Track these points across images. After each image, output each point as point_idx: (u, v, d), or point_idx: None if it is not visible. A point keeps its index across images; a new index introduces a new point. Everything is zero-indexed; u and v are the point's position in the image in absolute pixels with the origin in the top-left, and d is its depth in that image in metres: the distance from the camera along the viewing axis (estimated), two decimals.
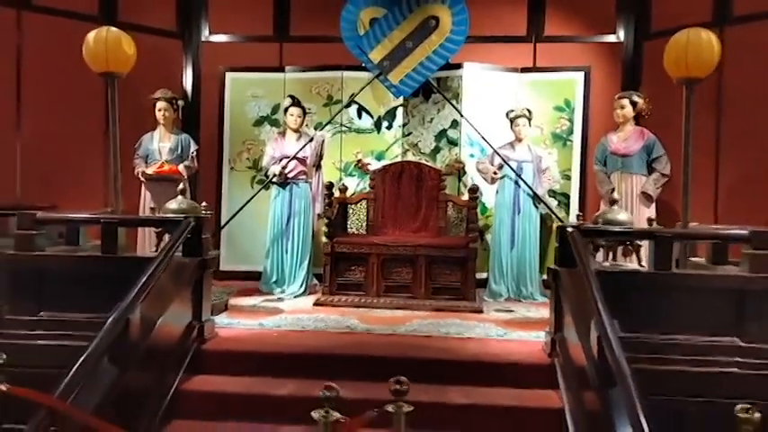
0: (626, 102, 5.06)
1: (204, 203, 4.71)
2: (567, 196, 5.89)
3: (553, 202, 5.80)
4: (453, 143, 5.84)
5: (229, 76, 6.25)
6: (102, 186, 5.64)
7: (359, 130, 6.09)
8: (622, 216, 3.99)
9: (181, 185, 4.46)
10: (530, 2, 6.15)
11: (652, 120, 5.81)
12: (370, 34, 5.12)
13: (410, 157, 5.97)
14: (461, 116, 5.52)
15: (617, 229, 3.45)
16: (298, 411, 2.63)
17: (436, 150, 5.93)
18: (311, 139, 5.28)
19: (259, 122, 6.17)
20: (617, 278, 3.28)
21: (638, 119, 5.27)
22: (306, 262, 5.25)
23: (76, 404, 2.33)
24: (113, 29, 3.79)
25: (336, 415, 2.07)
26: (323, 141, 5.41)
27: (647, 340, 3.18)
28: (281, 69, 6.19)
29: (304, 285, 5.21)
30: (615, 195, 4.12)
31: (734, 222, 4.97)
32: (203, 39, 6.42)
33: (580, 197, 5.85)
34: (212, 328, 3.62)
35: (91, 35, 3.72)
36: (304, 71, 6.10)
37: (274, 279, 5.33)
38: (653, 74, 5.88)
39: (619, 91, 5.93)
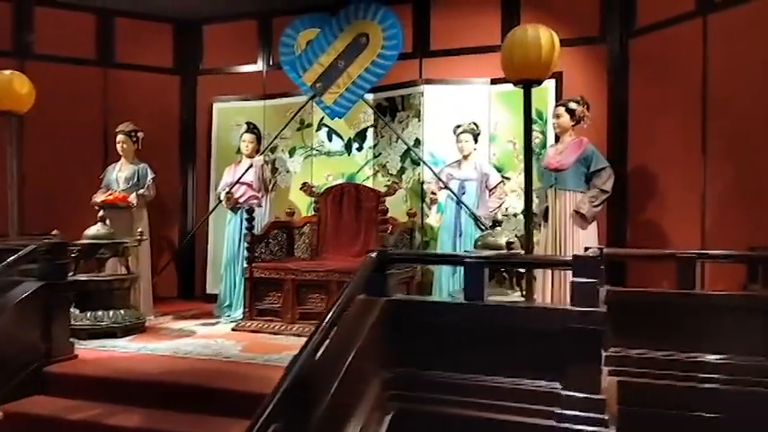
0: (561, 110, 4.47)
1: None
2: None
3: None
4: (416, 162, 5.55)
5: (216, 106, 6.53)
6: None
7: (329, 153, 6.02)
8: (502, 240, 3.54)
9: (101, 213, 4.72)
10: (503, 10, 5.71)
11: (640, 115, 5.14)
12: (303, 56, 5.08)
13: (379, 178, 5.79)
14: (397, 135, 5.29)
15: (411, 255, 3.03)
16: None
17: (402, 171, 5.68)
18: (251, 165, 5.32)
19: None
20: (409, 308, 2.90)
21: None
22: None
23: None
24: (6, 72, 4.14)
25: None
26: (262, 165, 5.42)
27: (442, 379, 2.78)
28: (262, 98, 6.34)
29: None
30: (499, 216, 3.66)
31: (726, 241, 4.20)
32: (198, 73, 6.77)
33: None
34: (69, 350, 3.74)
35: None
36: (275, 98, 6.19)
37: (227, 303, 5.41)
38: (641, 73, 5.19)
39: (604, 96, 5.34)
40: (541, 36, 2.94)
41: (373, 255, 2.94)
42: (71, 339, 3.82)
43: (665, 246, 4.80)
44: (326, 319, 2.54)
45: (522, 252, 3.28)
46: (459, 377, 2.81)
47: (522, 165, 5.25)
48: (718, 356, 3.23)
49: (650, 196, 5.02)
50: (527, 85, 3.11)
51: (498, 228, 3.57)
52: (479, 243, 3.55)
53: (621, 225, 5.20)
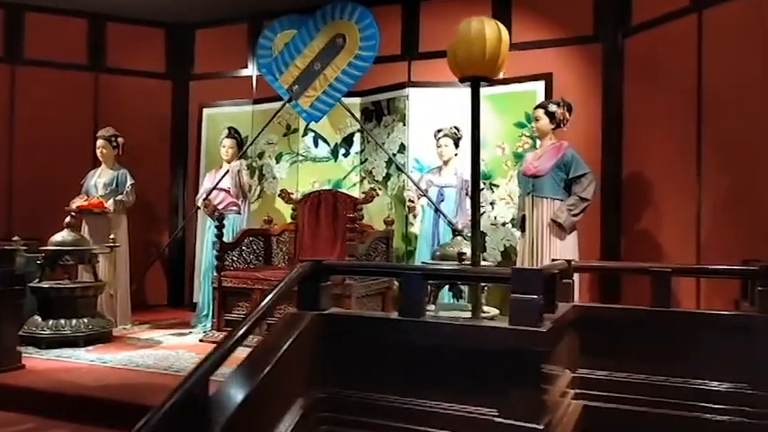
0: (540, 113, 4.19)
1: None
2: None
3: (517, 233, 5.02)
4: (401, 169, 5.32)
5: (206, 111, 6.42)
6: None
7: (315, 159, 5.84)
8: (462, 250, 3.30)
9: (68, 218, 4.63)
10: (494, 9, 5.44)
11: (635, 120, 4.82)
12: (279, 58, 4.92)
13: (366, 185, 5.58)
14: (376, 143, 5.07)
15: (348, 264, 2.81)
16: None
17: (387, 177, 5.46)
18: (227, 171, 5.18)
19: None
20: (341, 323, 2.67)
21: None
22: None
23: None
24: None
25: None
26: (238, 171, 5.27)
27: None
28: (251, 102, 6.21)
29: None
30: (459, 225, 3.41)
31: (722, 253, 3.89)
32: (190, 78, 6.68)
33: None
34: (16, 359, 3.63)
35: None
36: (264, 102, 6.03)
37: (205, 312, 5.25)
38: (637, 72, 4.89)
39: (598, 98, 5.05)
40: (487, 29, 2.69)
41: (306, 265, 2.73)
42: (19, 348, 3.71)
43: (660, 258, 4.48)
44: (235, 332, 2.34)
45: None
46: (392, 400, 2.56)
47: (511, 172, 5.09)
48: (693, 381, 2.92)
49: (646, 204, 4.70)
50: (474, 83, 2.86)
51: (458, 237, 3.33)
52: (438, 254, 3.32)
53: (616, 235, 4.89)
